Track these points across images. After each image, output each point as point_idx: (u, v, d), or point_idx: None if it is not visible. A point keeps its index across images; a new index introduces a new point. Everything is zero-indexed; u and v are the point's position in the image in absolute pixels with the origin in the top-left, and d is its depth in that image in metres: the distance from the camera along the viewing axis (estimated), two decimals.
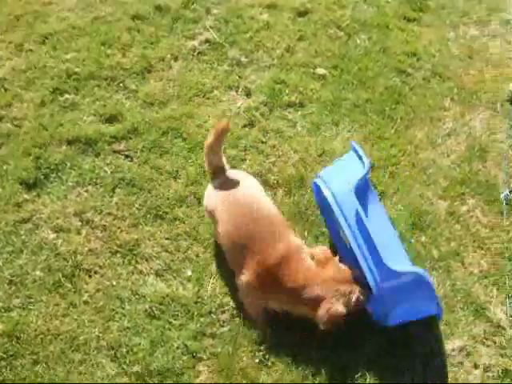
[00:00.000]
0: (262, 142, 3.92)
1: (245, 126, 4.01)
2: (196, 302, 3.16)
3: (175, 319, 3.10)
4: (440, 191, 3.86)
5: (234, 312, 3.14)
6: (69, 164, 3.72)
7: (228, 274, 3.23)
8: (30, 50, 4.46)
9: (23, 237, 3.37)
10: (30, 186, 3.62)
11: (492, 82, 4.65)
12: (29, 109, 4.06)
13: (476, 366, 3.10)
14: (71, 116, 3.98)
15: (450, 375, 3.06)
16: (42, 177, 3.66)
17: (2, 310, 3.09)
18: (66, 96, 4.13)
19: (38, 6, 4.78)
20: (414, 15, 5.17)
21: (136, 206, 3.54)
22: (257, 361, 3.00)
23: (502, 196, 3.88)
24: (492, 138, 4.26)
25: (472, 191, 3.89)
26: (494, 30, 5.20)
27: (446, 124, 4.27)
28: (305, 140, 3.98)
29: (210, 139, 3.11)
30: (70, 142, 3.83)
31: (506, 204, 3.83)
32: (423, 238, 3.60)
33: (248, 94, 4.22)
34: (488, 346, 3.19)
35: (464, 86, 4.58)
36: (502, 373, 3.07)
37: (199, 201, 3.54)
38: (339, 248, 3.30)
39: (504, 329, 3.26)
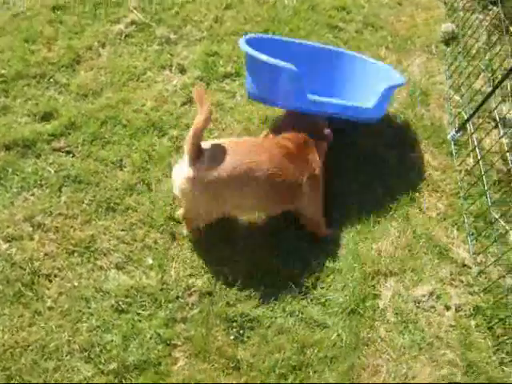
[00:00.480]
0: None
1: (184, 103, 3.97)
2: (162, 289, 3.13)
3: (144, 310, 3.07)
4: (387, 140, 3.86)
5: (203, 291, 3.11)
6: (10, 170, 3.59)
7: (190, 255, 3.20)
8: None
9: None
10: None
11: (424, 26, 4.71)
12: None
13: (447, 308, 3.17)
14: (5, 120, 3.84)
15: (423, 320, 3.10)
16: None
17: None
18: None
19: None
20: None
21: (85, 201, 3.47)
22: (232, 338, 3.00)
23: (449, 137, 3.94)
24: (431, 80, 4.31)
25: (419, 136, 3.95)
26: None
27: None
28: (246, 109, 3.95)
29: (201, 123, 2.92)
30: (7, 147, 3.69)
31: (455, 144, 3.89)
32: (378, 190, 3.61)
33: (182, 71, 4.16)
34: (456, 286, 3.27)
35: (397, 33, 4.62)
36: (474, 310, 3.15)
37: (148, 187, 3.48)
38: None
39: (469, 267, 3.34)
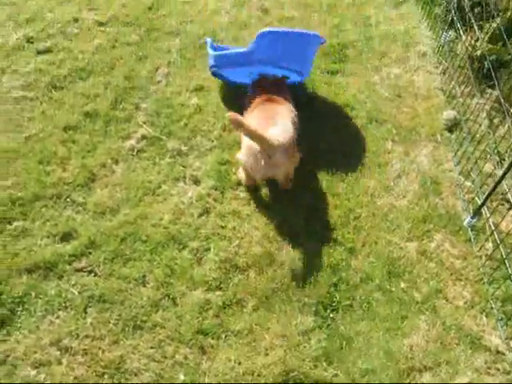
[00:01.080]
0: (222, 227, 3.95)
1: (201, 214, 4.05)
2: None
3: None
4: (406, 234, 3.95)
5: None
6: (33, 293, 3.63)
7: (222, 368, 3.21)
8: None
9: (2, 381, 3.26)
10: None
11: (426, 115, 4.85)
12: None
13: None
14: (25, 243, 3.92)
15: None
16: (9, 313, 3.57)
17: None
18: (15, 224, 4.05)
19: None
20: (336, 67, 5.38)
21: (112, 321, 3.49)
22: None
23: (465, 223, 4.00)
24: (441, 169, 4.41)
25: (436, 226, 4.00)
26: (414, 64, 5.47)
27: (394, 166, 4.41)
28: (262, 215, 4.02)
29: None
30: (29, 271, 3.75)
31: (472, 230, 3.94)
32: (402, 284, 3.65)
33: (196, 182, 4.27)
34: (493, 375, 3.26)
35: (401, 125, 4.75)
36: None
37: (174, 301, 3.53)
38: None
39: (503, 354, 3.33)
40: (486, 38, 4.92)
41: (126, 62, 5.38)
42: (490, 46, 4.85)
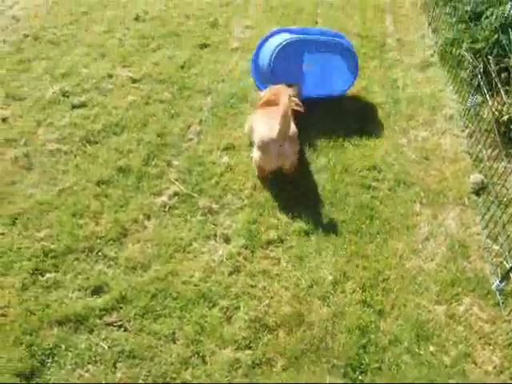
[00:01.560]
0: (252, 286, 4.01)
1: (231, 273, 4.11)
2: None
3: None
4: (434, 297, 3.99)
5: None
6: (64, 346, 3.69)
7: None
8: (2, 234, 4.47)
9: None
10: (27, 376, 3.55)
11: (453, 179, 4.92)
12: (11, 295, 4.03)
13: None
14: (56, 295, 3.99)
15: None
16: (39, 364, 3.61)
17: None
18: (47, 275, 4.13)
19: (1, 187, 4.84)
20: (365, 128, 5.50)
21: (141, 378, 3.54)
22: None
23: (493, 287, 4.03)
24: (468, 232, 4.46)
25: (465, 289, 4.03)
26: (440, 127, 5.58)
27: (422, 229, 4.46)
28: (292, 275, 4.10)
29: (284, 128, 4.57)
30: (60, 323, 3.81)
31: (500, 294, 3.97)
32: (431, 348, 3.68)
33: (227, 240, 4.34)
34: None
35: (429, 188, 4.83)
36: None
37: (203, 359, 3.57)
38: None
39: None
40: None
41: (158, 119, 5.53)
42: None
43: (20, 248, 4.30)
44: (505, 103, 5.09)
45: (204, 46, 6.94)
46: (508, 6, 5.01)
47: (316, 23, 7.59)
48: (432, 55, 6.89)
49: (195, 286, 3.99)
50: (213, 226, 4.45)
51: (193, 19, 7.63)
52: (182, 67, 6.44)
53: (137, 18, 7.62)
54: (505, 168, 4.86)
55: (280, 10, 7.86)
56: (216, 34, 7.22)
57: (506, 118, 5.03)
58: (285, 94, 4.71)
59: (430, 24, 7.52)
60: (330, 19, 7.65)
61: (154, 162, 5.03)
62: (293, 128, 4.67)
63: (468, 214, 4.66)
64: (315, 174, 4.94)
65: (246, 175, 4.90)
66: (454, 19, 6.70)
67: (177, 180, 4.85)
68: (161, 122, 5.51)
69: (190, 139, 5.32)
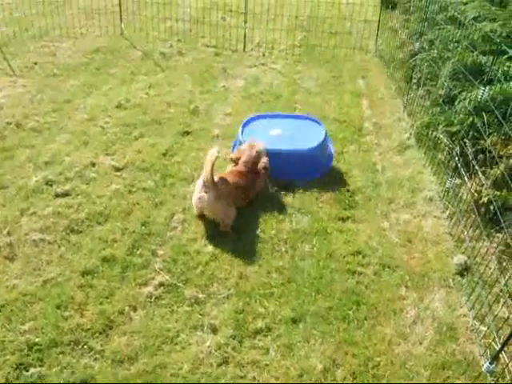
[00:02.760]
0: (241, 377, 4.00)
1: (219, 364, 4.10)
2: None
3: None
4: (425, 381, 4.00)
5: None
6: None
7: None
8: None
9: None
10: None
11: (437, 260, 5.03)
12: None
13: None
14: None
15: None
16: None
17: None
18: (32, 370, 4.04)
19: None
20: (347, 214, 5.62)
21: None
22: None
23: (484, 369, 4.07)
24: (455, 314, 4.53)
25: (455, 372, 4.08)
26: (421, 209, 5.72)
27: (409, 313, 4.52)
28: (281, 364, 4.10)
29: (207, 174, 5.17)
30: None
31: (491, 376, 4.01)
32: None
33: (214, 331, 4.35)
34: None
35: (413, 271, 4.92)
36: None
37: None
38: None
39: None
40: (490, 185, 5.18)
41: (142, 208, 5.61)
42: (495, 192, 5.08)
43: (3, 341, 4.23)
44: (483, 184, 5.25)
45: (185, 133, 7.11)
46: (480, 91, 5.22)
47: (295, 109, 7.81)
48: (408, 138, 7.12)
49: (184, 378, 3.98)
50: (200, 317, 4.46)
51: (174, 107, 7.83)
52: (165, 155, 6.57)
53: (119, 106, 7.81)
54: (487, 248, 4.95)
55: (259, 97, 8.12)
56: (197, 122, 7.41)
57: (485, 199, 5.16)
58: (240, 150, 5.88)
59: (405, 107, 7.80)
60: (308, 105, 7.91)
61: (138, 252, 5.06)
62: (227, 187, 5.39)
63: (453, 295, 4.74)
64: (300, 261, 5.00)
65: (232, 264, 4.95)
66: (429, 102, 6.93)
67: (162, 270, 4.88)
68: (145, 210, 5.58)
69: (175, 228, 5.38)
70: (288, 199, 5.85)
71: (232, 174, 5.62)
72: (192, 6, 10.99)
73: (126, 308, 4.53)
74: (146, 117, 7.51)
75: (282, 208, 5.66)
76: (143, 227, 5.38)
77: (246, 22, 10.09)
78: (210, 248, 5.14)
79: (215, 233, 5.33)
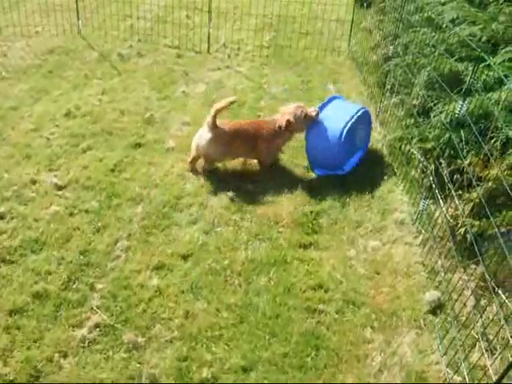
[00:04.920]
0: None
1: None
2: None
3: None
4: None
5: None
6: None
7: None
8: None
9: None
10: None
11: (407, 296, 4.64)
12: None
13: None
14: None
15: None
16: None
17: None
18: None
19: None
20: (310, 239, 5.21)
21: None
22: None
23: None
24: (426, 361, 4.16)
25: None
26: (392, 234, 5.32)
27: (375, 359, 4.13)
28: None
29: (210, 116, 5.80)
30: None
31: None
32: None
33: (153, 382, 3.94)
34: None
35: (380, 309, 4.52)
36: None
37: None
38: None
39: None
40: (468, 211, 4.77)
41: (82, 234, 5.16)
42: (471, 220, 4.68)
43: None
44: (459, 209, 4.84)
45: (138, 145, 6.65)
46: (458, 105, 4.79)
47: (259, 116, 7.36)
48: (381, 150, 6.71)
49: None
50: (138, 365, 4.03)
51: (128, 115, 7.36)
52: (113, 170, 6.10)
53: (68, 114, 7.34)
54: (461, 281, 4.57)
55: None
56: (151, 132, 6.95)
57: (462, 230, 4.75)
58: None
59: (377, 116, 7.39)
60: (274, 113, 7.42)
61: (75, 286, 4.63)
62: (226, 132, 5.95)
63: (425, 338, 4.35)
64: (254, 297, 4.57)
65: (178, 300, 4.52)
66: (402, 112, 6.52)
67: (99, 308, 4.45)
68: (85, 236, 5.12)
69: (117, 257, 4.94)
70: (245, 223, 5.40)
71: (247, 123, 6.16)
72: (154, 2, 10.37)
73: (56, 355, 4.13)
74: (96, 126, 7.02)
75: (237, 234, 5.21)
76: (82, 256, 4.93)
77: (210, 20, 9.55)
78: (155, 281, 4.70)
79: (161, 263, 4.85)
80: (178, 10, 10.68)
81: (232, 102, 5.84)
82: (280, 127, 6.01)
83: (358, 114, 6.21)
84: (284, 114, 6.09)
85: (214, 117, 5.69)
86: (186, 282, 4.72)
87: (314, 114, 6.10)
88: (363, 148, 6.62)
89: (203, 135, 5.85)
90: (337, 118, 6.12)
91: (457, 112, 4.76)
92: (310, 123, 6.14)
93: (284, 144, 6.38)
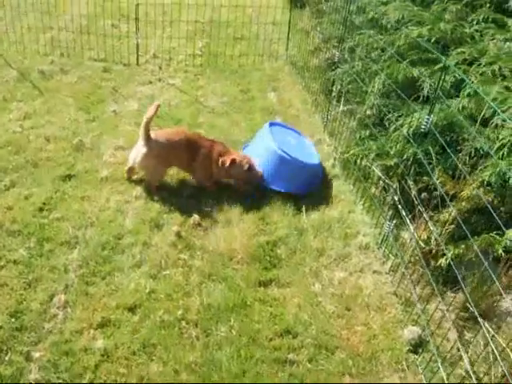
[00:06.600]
0: None
1: None
2: None
3: None
4: None
5: None
6: None
7: None
8: None
9: None
10: None
11: (384, 335, 4.35)
12: None
13: None
14: None
15: None
16: None
17: None
18: None
19: None
20: (269, 275, 4.81)
21: None
22: None
23: None
24: None
25: None
26: (357, 263, 4.99)
27: None
28: None
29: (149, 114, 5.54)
30: None
31: None
32: None
33: None
34: None
35: (357, 352, 4.17)
36: None
37: None
38: None
39: None
40: (443, 235, 4.43)
41: (11, 290, 4.56)
42: (446, 244, 4.34)
43: None
44: (431, 232, 4.49)
45: (68, 177, 6.05)
46: (424, 118, 4.40)
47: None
48: (333, 165, 6.34)
49: None
50: None
51: (54, 142, 6.74)
52: (41, 210, 5.50)
53: None
54: (440, 310, 4.21)
55: (155, 123, 7.03)
56: (82, 160, 6.36)
57: (437, 255, 4.40)
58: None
59: (325, 126, 7.01)
60: (214, 129, 7.02)
61: (7, 357, 4.04)
62: (162, 143, 5.70)
63: (409, 380, 3.93)
64: (216, 351, 4.11)
65: (129, 364, 4.03)
66: (354, 123, 6.15)
67: (38, 382, 3.88)
68: (15, 294, 4.54)
69: (54, 316, 4.39)
70: (196, 262, 4.92)
71: (178, 133, 5.91)
72: (76, 12, 9.68)
73: None
74: (19, 158, 6.36)
75: (188, 275, 4.73)
76: (13, 319, 4.33)
77: (138, 29, 8.98)
78: (101, 342, 4.17)
79: (106, 320, 4.33)
80: (102, 18, 9.99)
81: (158, 107, 5.64)
82: (223, 163, 5.75)
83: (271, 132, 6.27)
84: (231, 154, 5.85)
85: (146, 129, 5.53)
86: (136, 340, 4.20)
87: (259, 171, 5.94)
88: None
89: (139, 149, 5.66)
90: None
91: (423, 126, 4.38)
92: (253, 179, 5.90)
93: (217, 179, 6.03)
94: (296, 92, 8.45)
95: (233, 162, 5.72)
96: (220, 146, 5.93)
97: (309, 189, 5.98)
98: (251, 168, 5.78)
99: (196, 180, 6.03)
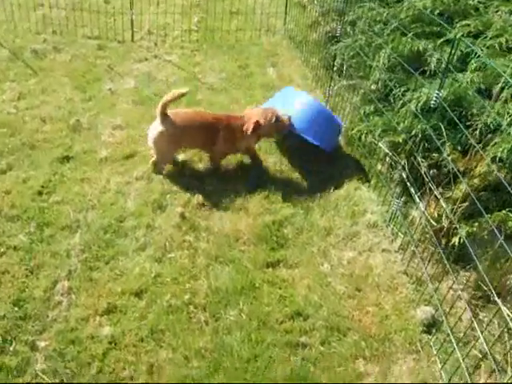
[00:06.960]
0: None
1: None
2: None
3: None
4: None
5: None
6: None
7: None
8: None
9: None
10: None
11: (396, 315, 4.26)
12: None
13: None
14: None
15: None
16: None
17: None
18: None
19: None
20: (277, 256, 4.71)
21: None
22: None
23: None
24: None
25: None
26: (366, 242, 4.91)
27: None
28: None
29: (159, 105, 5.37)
30: None
31: None
32: None
33: None
34: None
35: (370, 333, 4.09)
36: None
37: None
38: None
39: None
40: (453, 211, 4.33)
41: (13, 278, 4.46)
42: (459, 221, 4.24)
43: None
44: (442, 208, 4.38)
45: (66, 159, 5.91)
46: (434, 94, 4.28)
47: None
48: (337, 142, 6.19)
49: None
50: None
51: (50, 122, 6.59)
52: (40, 193, 5.38)
53: None
54: (452, 289, 4.13)
55: (154, 101, 6.88)
56: (79, 141, 6.22)
57: (449, 232, 4.30)
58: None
59: (327, 101, 6.87)
60: (213, 106, 6.86)
61: (11, 348, 3.95)
62: (176, 123, 5.48)
63: (424, 363, 3.93)
64: (226, 336, 4.02)
65: (138, 351, 3.94)
66: (357, 97, 6.02)
67: (45, 372, 3.78)
68: (17, 281, 4.44)
69: (58, 303, 4.29)
70: (201, 244, 4.81)
71: (199, 114, 5.75)
72: None
73: None
74: (14, 140, 6.21)
75: (194, 258, 4.63)
76: (16, 308, 4.24)
77: (132, 4, 8.77)
78: (108, 329, 4.09)
79: (112, 305, 4.24)
80: None
81: (183, 95, 5.44)
82: (246, 131, 5.54)
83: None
84: (251, 117, 5.56)
85: (163, 107, 5.33)
86: (143, 326, 4.11)
87: (285, 119, 5.68)
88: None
89: (156, 127, 5.48)
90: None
91: (432, 101, 4.26)
92: (281, 130, 5.72)
93: (244, 148, 5.83)
94: (295, 67, 8.29)
95: (256, 124, 5.52)
96: (233, 118, 5.72)
97: (332, 147, 6.02)
98: (278, 118, 5.60)
99: (214, 158, 5.87)
